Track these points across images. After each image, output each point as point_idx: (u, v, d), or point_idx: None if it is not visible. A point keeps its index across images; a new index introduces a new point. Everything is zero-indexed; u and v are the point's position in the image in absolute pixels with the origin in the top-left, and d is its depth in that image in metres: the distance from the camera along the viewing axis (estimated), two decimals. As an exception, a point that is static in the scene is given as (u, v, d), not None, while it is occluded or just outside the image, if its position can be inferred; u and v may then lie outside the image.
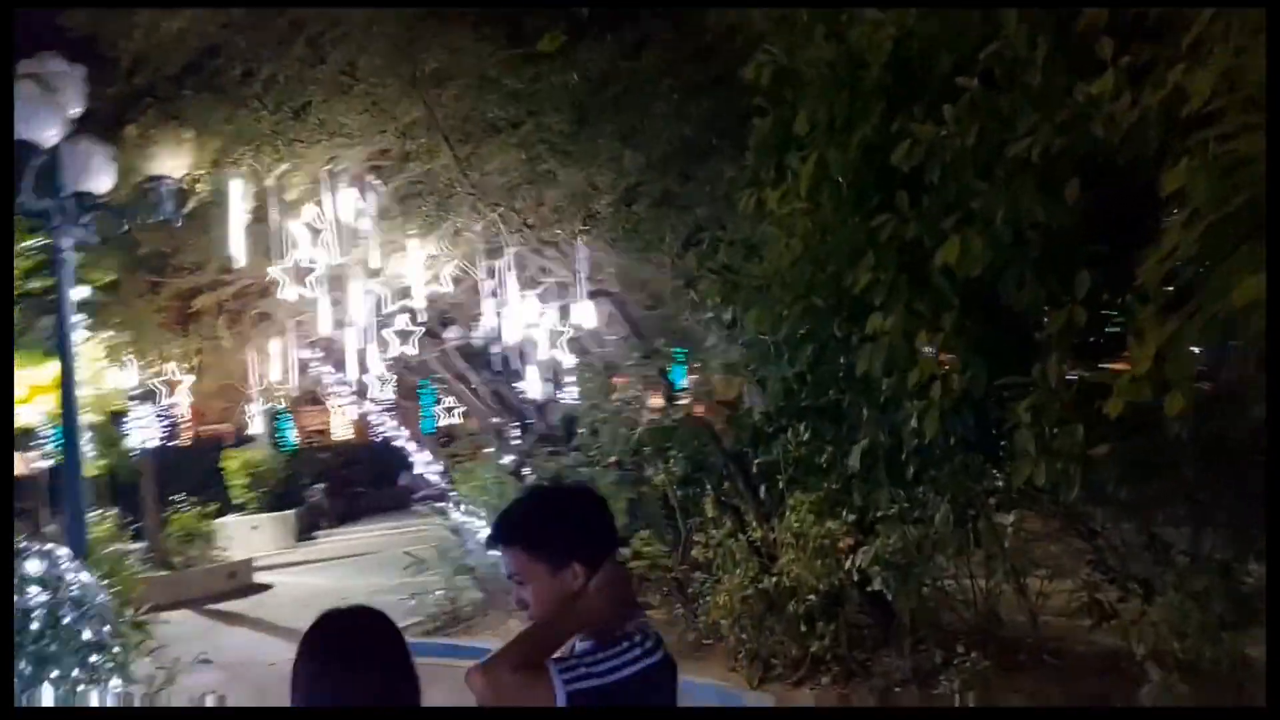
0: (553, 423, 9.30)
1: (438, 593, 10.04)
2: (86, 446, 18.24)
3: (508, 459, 10.15)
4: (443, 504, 10.57)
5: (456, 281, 7.83)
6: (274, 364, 9.43)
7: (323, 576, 16.16)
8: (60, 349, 6.29)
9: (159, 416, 19.51)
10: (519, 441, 10.55)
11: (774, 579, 7.65)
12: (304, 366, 10.64)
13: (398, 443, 10.53)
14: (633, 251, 7.09)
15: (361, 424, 11.46)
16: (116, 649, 5.73)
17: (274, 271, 7.16)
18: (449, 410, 12.30)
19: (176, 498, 15.70)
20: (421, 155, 6.66)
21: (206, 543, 15.52)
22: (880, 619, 7.37)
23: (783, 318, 3.75)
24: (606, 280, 8.08)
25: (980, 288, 3.49)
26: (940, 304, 3.44)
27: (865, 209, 3.63)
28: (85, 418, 17.69)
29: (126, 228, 6.49)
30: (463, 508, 10.26)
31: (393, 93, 6.44)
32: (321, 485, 23.89)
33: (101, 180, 6.57)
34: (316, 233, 7.00)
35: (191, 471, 23.46)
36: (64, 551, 5.38)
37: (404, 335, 8.51)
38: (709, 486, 8.78)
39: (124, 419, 15.64)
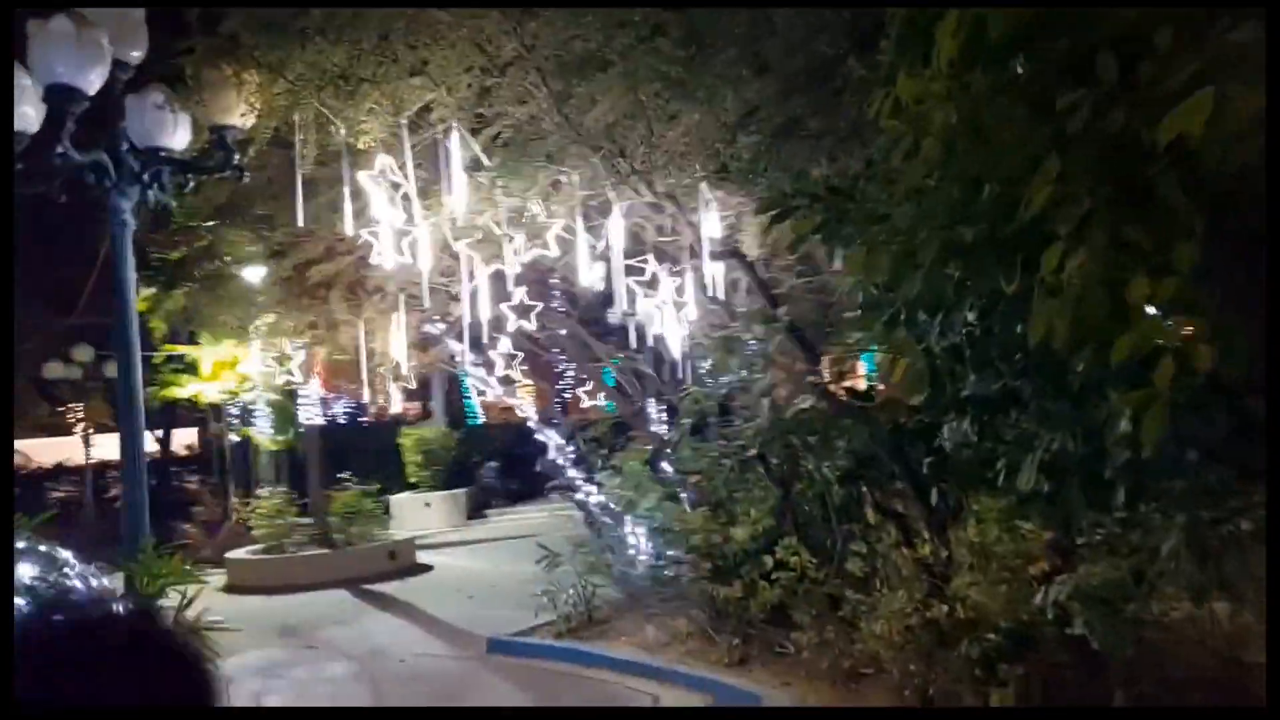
0: (682, 404, 8.14)
1: (568, 592, 9.13)
2: (264, 424, 18.82)
3: (642, 447, 9.15)
4: (582, 494, 9.64)
5: (564, 245, 6.80)
6: (394, 339, 8.79)
7: (483, 559, 15.76)
8: (120, 324, 5.73)
9: (337, 397, 19.87)
10: (660, 428, 9.50)
11: (947, 606, 6.24)
12: (429, 342, 10.01)
13: (531, 424, 9.71)
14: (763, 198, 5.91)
15: (498, 404, 10.72)
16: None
17: (365, 235, 6.39)
18: (587, 392, 11.46)
19: (345, 475, 15.65)
20: (517, 95, 5.68)
21: (369, 521, 15.37)
22: (1085, 664, 5.83)
23: (911, 263, 2.45)
24: (730, 239, 6.83)
25: (1240, 201, 2.08)
26: (1171, 230, 2.06)
27: (1041, 87, 2.27)
28: (261, 395, 18.24)
29: (192, 184, 5.87)
30: (599, 499, 9.32)
31: (484, 22, 5.47)
32: (494, 464, 23.76)
33: (177, 135, 5.97)
34: (397, 189, 6.15)
35: (370, 449, 24.05)
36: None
37: (522, 309, 7.56)
38: (871, 487, 7.43)
39: (303, 397, 15.82)
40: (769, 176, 4.94)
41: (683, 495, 8.60)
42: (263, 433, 18.41)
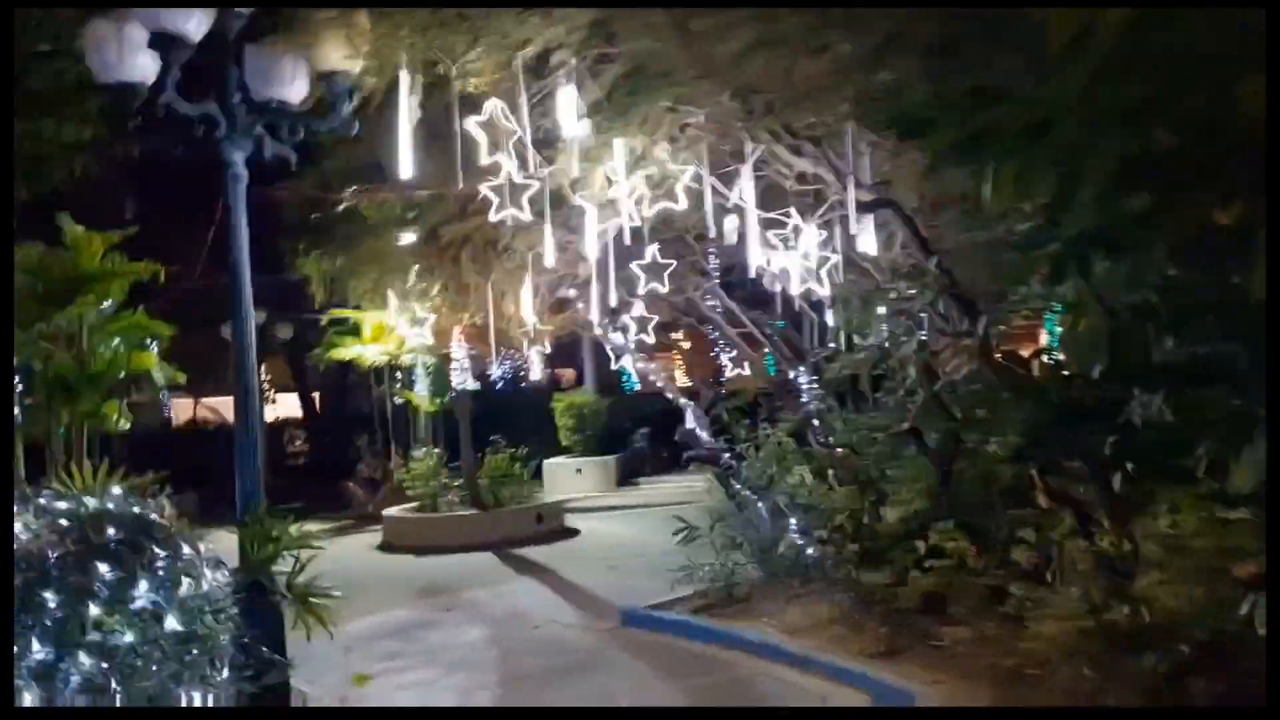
0: (830, 373, 7.48)
1: (706, 567, 8.68)
2: (422, 387, 19.19)
3: (788, 418, 8.56)
4: (724, 467, 9.14)
5: (692, 197, 6.23)
6: (524, 303, 8.49)
7: (629, 526, 15.54)
8: (233, 281, 5.61)
9: (489, 361, 20.08)
10: (808, 399, 8.87)
11: (1129, 608, 5.42)
12: (559, 306, 9.68)
13: (669, 394, 9.25)
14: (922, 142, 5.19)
15: (641, 372, 10.32)
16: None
17: (484, 190, 6.05)
18: (733, 360, 10.78)
19: (496, 439, 15.74)
20: (640, 27, 5.15)
21: (518, 485, 15.40)
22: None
23: (1081, 184, 1.80)
24: (882, 187, 6.09)
25: None
26: None
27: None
28: (418, 359, 18.59)
29: (300, 136, 5.66)
30: (741, 473, 8.80)
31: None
32: (646, 430, 23.56)
33: (294, 85, 5.78)
34: (511, 137, 5.75)
35: (523, 414, 24.30)
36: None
37: (654, 269, 7.08)
38: (1042, 468, 6.59)
39: (455, 361, 16.00)
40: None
41: (830, 471, 7.98)
42: (420, 395, 18.81)
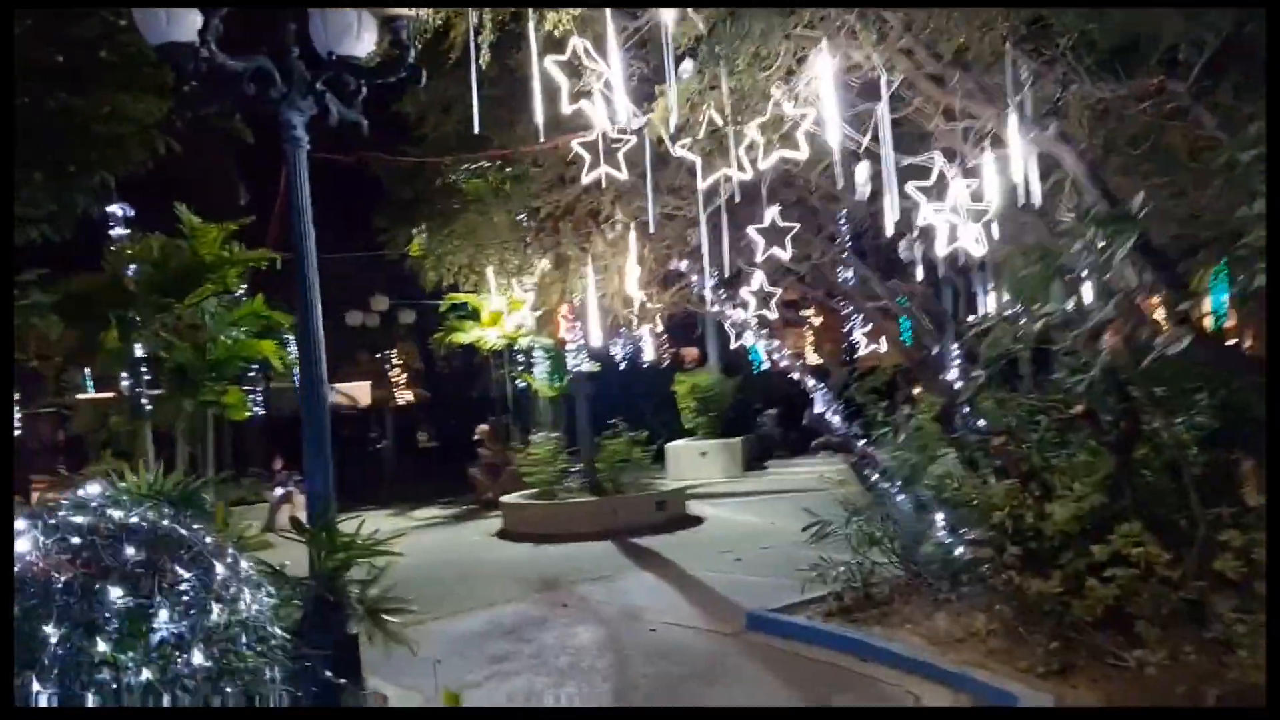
0: (982, 346, 6.43)
1: (840, 568, 7.78)
2: (541, 370, 18.75)
3: (932, 399, 7.53)
4: (858, 454, 8.18)
5: (816, 145, 5.28)
6: (628, 277, 7.69)
7: (756, 514, 14.69)
8: (298, 258, 5.04)
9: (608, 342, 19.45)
10: (954, 376, 7.83)
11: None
12: (668, 280, 8.83)
13: (795, 374, 8.31)
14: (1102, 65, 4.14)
15: (764, 351, 9.42)
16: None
17: (575, 146, 5.31)
18: (867, 334, 9.61)
19: (615, 422, 15.10)
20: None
21: (638, 470, 14.73)
22: None
23: None
24: (1049, 121, 5.01)
25: None
26: None
27: None
28: (538, 342, 18.13)
29: (364, 93, 5.02)
30: (879, 461, 7.84)
31: None
32: (774, 411, 22.57)
33: (362, 38, 5.15)
34: (599, 80, 4.94)
35: (645, 395, 23.62)
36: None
37: (774, 233, 6.18)
38: (1245, 455, 5.46)
39: (571, 343, 15.44)
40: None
41: (984, 461, 6.95)
42: (540, 378, 18.37)
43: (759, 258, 6.26)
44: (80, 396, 19.93)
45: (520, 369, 19.42)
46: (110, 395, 16.09)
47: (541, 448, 15.14)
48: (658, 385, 23.35)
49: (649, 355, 14.06)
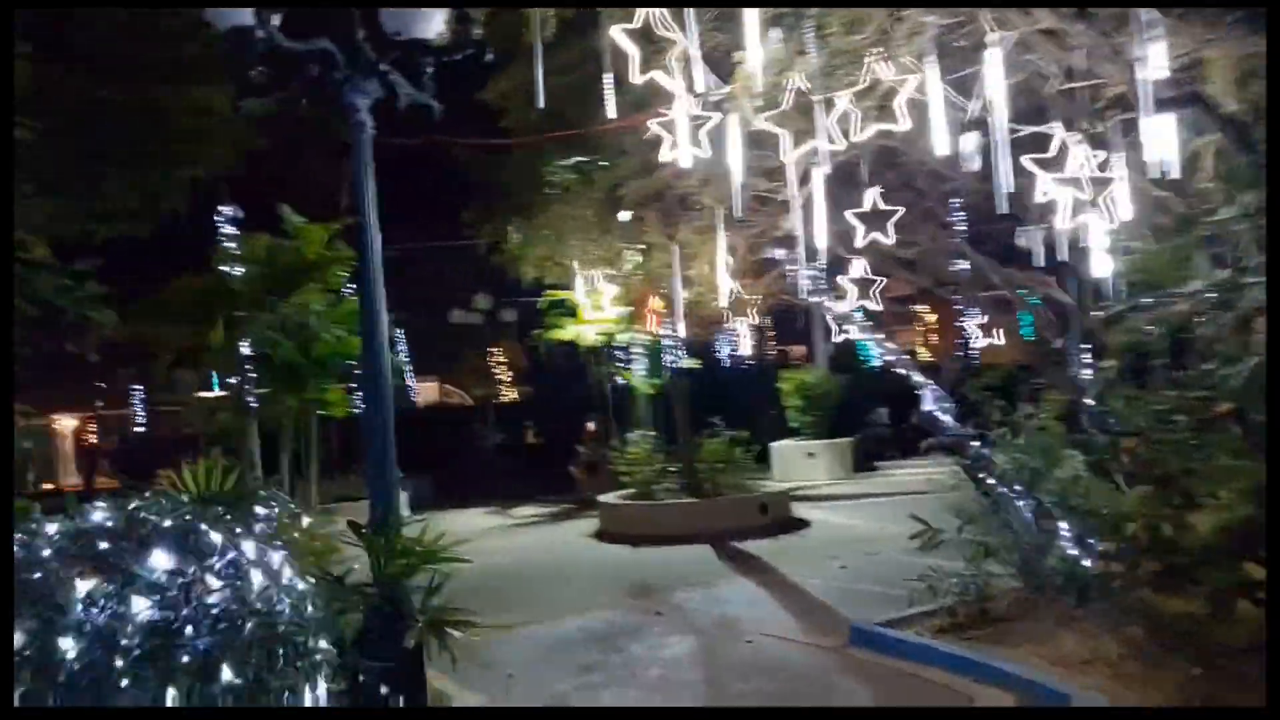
0: (1110, 338, 5.78)
1: (953, 580, 7.19)
2: (639, 367, 18.44)
3: (1055, 397, 6.86)
4: (972, 457, 7.56)
5: (918, 114, 4.74)
6: (717, 267, 7.20)
7: (865, 518, 14.05)
8: (361, 252, 4.79)
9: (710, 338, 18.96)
10: (1080, 372, 7.14)
11: None
12: (761, 268, 8.28)
13: (902, 370, 7.71)
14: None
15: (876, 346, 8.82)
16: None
17: (654, 126, 4.90)
18: (982, 327, 8.73)
19: (715, 421, 14.66)
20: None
21: (740, 471, 14.26)
22: None
23: None
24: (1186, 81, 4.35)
25: None
26: None
27: None
28: (635, 338, 17.82)
29: (431, 73, 4.72)
30: (996, 464, 7.20)
31: None
32: (886, 410, 21.76)
33: (428, 20, 4.88)
34: (674, 50, 4.52)
35: (747, 393, 23.06)
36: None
37: (874, 217, 5.65)
38: None
39: (668, 338, 15.09)
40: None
41: (1114, 465, 6.28)
42: (638, 376, 18.07)
43: (859, 243, 5.75)
44: (202, 395, 20.56)
45: (618, 366, 19.17)
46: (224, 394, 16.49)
47: (638, 446, 14.82)
48: (762, 383, 22.80)
49: (746, 350, 13.53)
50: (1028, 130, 4.85)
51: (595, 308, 16.31)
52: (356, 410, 23.13)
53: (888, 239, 5.78)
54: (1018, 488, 6.83)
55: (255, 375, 13.70)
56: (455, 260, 16.28)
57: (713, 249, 7.28)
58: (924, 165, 6.22)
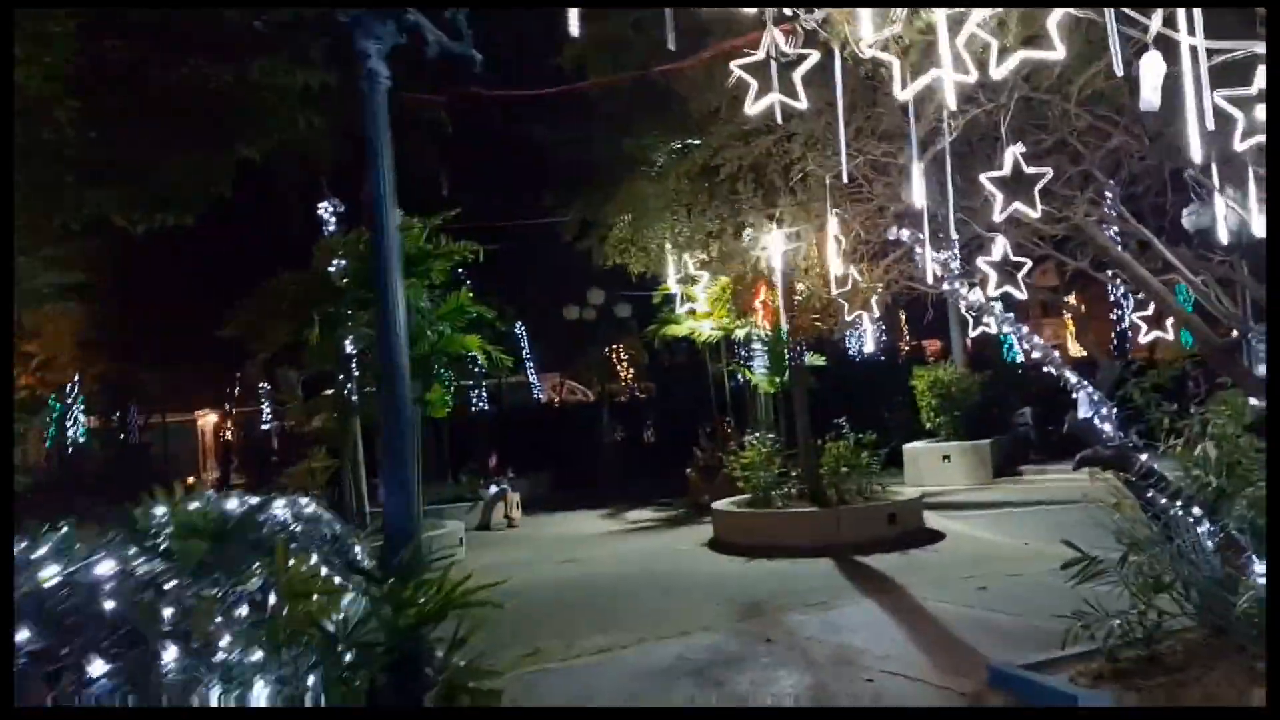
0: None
1: (1115, 620, 5.98)
2: (760, 364, 17.41)
3: (1240, 399, 5.59)
4: (1139, 472, 6.29)
5: (1074, 39, 3.63)
6: (828, 248, 6.13)
7: (1008, 531, 12.71)
8: (375, 230, 4.07)
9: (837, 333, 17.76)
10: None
11: None
12: (884, 252, 7.12)
13: (1052, 367, 6.47)
14: None
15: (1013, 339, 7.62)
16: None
17: (735, 70, 3.97)
18: (1147, 319, 7.46)
19: (840, 422, 13.52)
20: None
21: (866, 477, 13.10)
22: None
23: None
24: None
25: None
26: None
27: None
28: (756, 333, 16.80)
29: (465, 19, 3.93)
30: (1167, 481, 5.96)
31: None
32: (1030, 410, 20.07)
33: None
34: None
35: (877, 391, 21.66)
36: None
37: (1017, 184, 4.53)
38: None
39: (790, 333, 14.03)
40: None
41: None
42: (759, 373, 17.06)
43: (998, 216, 4.68)
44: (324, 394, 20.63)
45: (738, 363, 18.19)
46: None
47: (755, 449, 13.81)
48: (894, 380, 21.42)
49: (869, 346, 12.36)
50: (1225, 52, 3.68)
51: (689, 297, 15.38)
52: (482, 409, 22.98)
53: (1034, 211, 4.68)
54: (1196, 511, 5.59)
55: (357, 374, 13.38)
56: (548, 250, 15.49)
57: (820, 227, 6.26)
58: (1080, 117, 5.08)
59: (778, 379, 16.56)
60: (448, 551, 13.22)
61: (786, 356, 14.29)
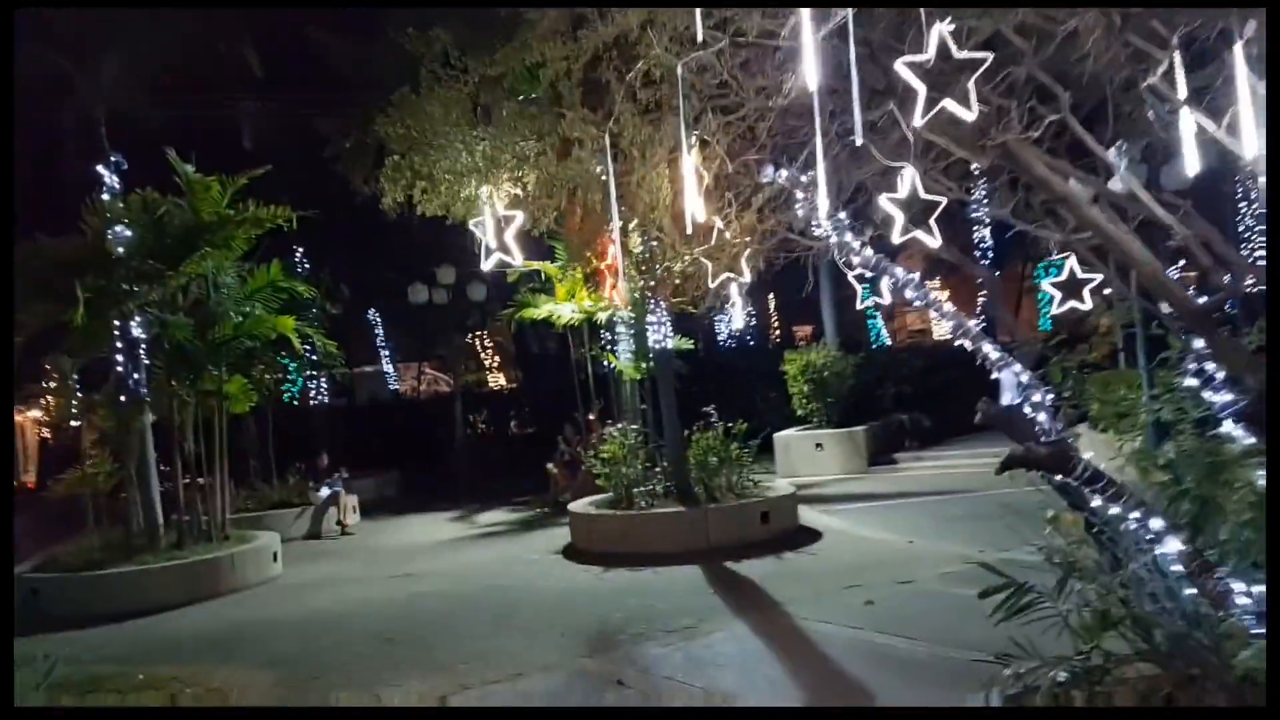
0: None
1: (1062, 660, 4.65)
2: (624, 349, 15.90)
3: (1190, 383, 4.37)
4: (1084, 479, 4.92)
5: None
6: (685, 184, 4.66)
7: (889, 527, 11.57)
8: None
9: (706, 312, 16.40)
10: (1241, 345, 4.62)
11: None
12: (756, 190, 5.69)
13: (967, 342, 5.16)
14: None
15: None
16: None
17: None
18: (1060, 284, 6.33)
19: (708, 411, 12.11)
20: None
21: (736, 470, 11.74)
22: None
23: None
24: None
25: None
26: None
27: None
28: (620, 315, 15.29)
29: None
30: (1124, 489, 4.64)
31: None
32: (899, 392, 19.34)
33: None
34: None
35: (745, 377, 20.49)
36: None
37: (930, 79, 3.06)
38: None
39: (651, 313, 12.55)
40: None
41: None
42: (623, 358, 15.54)
43: (918, 120, 3.25)
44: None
45: (603, 348, 16.62)
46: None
47: (616, 442, 12.29)
48: (765, 366, 20.29)
49: (737, 321, 10.97)
50: None
51: (549, 275, 13.77)
52: (312, 403, 20.69)
53: (969, 114, 3.27)
54: (1160, 524, 4.30)
55: (148, 362, 11.20)
56: (400, 225, 13.27)
57: (672, 157, 4.69)
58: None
59: (642, 364, 15.09)
60: (257, 570, 11.25)
61: (650, 339, 12.79)
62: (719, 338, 23.25)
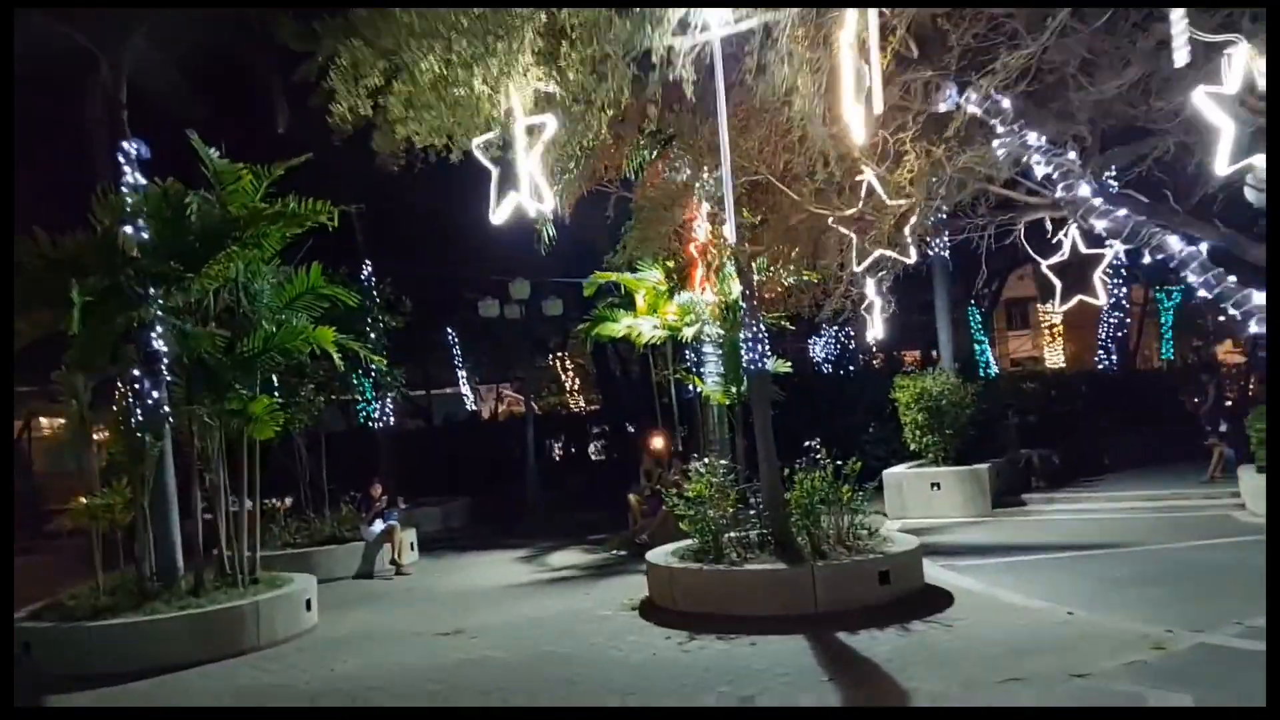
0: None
1: None
2: (711, 370, 14.04)
3: None
4: None
5: None
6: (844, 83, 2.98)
7: (1037, 588, 9.41)
8: None
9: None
10: None
11: None
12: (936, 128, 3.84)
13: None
14: None
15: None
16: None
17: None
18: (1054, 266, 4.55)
19: (812, 445, 10.14)
20: None
21: (846, 515, 9.72)
22: None
23: None
24: None
25: None
26: None
27: None
28: (708, 332, 13.46)
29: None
30: None
31: None
32: (1022, 421, 17.04)
33: None
34: None
35: (854, 406, 18.42)
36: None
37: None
38: None
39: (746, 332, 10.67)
40: None
41: None
42: (711, 382, 13.68)
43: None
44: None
45: (687, 369, 14.79)
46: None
47: (703, 479, 10.39)
48: (867, 392, 18.21)
49: (875, 331, 8.93)
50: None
51: (629, 287, 12.03)
52: (380, 425, 19.38)
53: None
54: None
55: (169, 378, 9.76)
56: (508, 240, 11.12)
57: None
58: None
59: (734, 389, 13.20)
60: (286, 622, 9.66)
61: (744, 359, 10.90)
62: (814, 361, 21.08)
